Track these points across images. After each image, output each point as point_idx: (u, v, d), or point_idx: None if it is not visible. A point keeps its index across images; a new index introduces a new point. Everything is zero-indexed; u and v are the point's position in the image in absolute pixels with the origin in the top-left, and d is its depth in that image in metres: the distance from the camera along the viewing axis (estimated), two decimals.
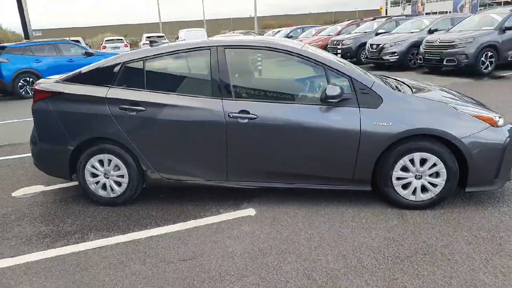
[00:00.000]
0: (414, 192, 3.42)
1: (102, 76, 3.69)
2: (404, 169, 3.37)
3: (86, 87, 3.68)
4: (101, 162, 3.71)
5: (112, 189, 3.75)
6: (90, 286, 2.64)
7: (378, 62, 13.87)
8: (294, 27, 24.27)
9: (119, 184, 3.74)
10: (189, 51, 3.66)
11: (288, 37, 22.43)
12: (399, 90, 3.60)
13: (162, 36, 26.84)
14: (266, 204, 3.68)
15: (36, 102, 3.75)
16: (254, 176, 3.57)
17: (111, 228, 3.41)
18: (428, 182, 3.38)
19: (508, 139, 3.30)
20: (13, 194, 4.20)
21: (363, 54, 15.07)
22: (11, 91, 11.22)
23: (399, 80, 4.21)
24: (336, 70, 3.40)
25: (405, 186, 3.43)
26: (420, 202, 3.43)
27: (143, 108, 3.54)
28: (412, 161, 3.34)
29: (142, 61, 3.66)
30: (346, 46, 15.55)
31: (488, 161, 3.29)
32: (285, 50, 3.50)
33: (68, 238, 3.27)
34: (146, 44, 25.86)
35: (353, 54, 15.45)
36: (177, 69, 3.70)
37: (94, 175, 3.75)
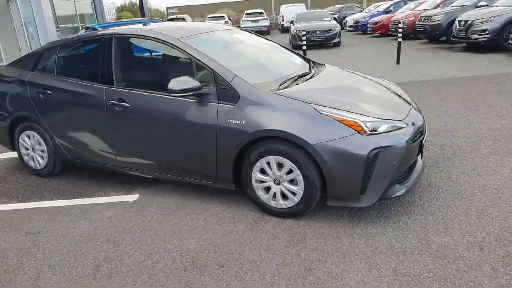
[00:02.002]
0: (275, 198, 3.13)
1: (30, 61, 4.15)
2: (264, 172, 3.11)
3: (18, 70, 4.19)
4: (28, 137, 4.21)
5: (38, 162, 4.25)
6: None
7: (468, 42, 11.98)
8: (397, 0, 22.05)
9: (42, 158, 4.21)
10: (91, 40, 3.85)
11: (387, 12, 20.61)
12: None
13: (261, 13, 27.10)
14: (156, 192, 3.75)
15: None
16: (136, 163, 3.67)
17: (17, 196, 3.91)
18: (287, 189, 3.05)
19: (377, 150, 2.76)
20: None
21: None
22: None
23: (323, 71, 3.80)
24: (202, 62, 3.23)
25: (268, 190, 3.16)
26: (281, 209, 3.13)
27: (50, 92, 3.89)
28: (269, 164, 3.05)
29: (56, 49, 3.99)
30: (435, 23, 13.71)
31: (349, 173, 2.82)
32: (162, 40, 3.44)
33: None
34: (245, 20, 26.59)
35: (443, 32, 13.57)
36: (81, 57, 3.93)
37: (26, 148, 4.28)
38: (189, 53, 3.28)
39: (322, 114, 2.88)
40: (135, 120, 3.46)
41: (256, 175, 3.12)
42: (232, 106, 3.08)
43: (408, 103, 3.48)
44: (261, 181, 3.13)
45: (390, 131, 2.89)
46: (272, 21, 32.13)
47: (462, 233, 2.78)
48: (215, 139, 3.15)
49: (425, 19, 14.24)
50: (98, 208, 3.55)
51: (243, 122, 3.02)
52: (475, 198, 3.23)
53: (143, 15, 27.44)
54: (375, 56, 11.69)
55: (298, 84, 3.35)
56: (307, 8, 28.84)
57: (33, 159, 4.28)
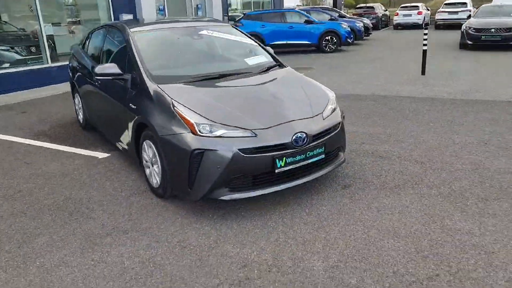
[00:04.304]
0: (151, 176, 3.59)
1: (82, 41, 5.56)
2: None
3: (78, 48, 5.67)
4: (76, 98, 5.71)
5: (80, 117, 5.72)
6: None
7: None
8: None
9: (82, 114, 5.64)
10: (102, 28, 4.94)
11: None
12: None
13: (464, 3, 23.79)
14: (121, 156, 4.63)
15: None
16: (100, 127, 4.68)
17: (55, 138, 5.43)
18: (155, 172, 3.48)
19: (201, 151, 2.95)
20: None
21: None
22: None
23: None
24: (131, 53, 3.86)
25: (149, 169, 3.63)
26: (153, 188, 3.58)
27: (79, 66, 5.22)
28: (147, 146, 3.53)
29: (92, 33, 5.25)
30: None
31: (179, 167, 3.09)
32: (121, 31, 4.20)
33: (39, 137, 5.56)
34: (442, 11, 23.87)
35: None
36: (95, 40, 5.05)
37: (76, 107, 5.81)
38: (129, 44, 3.97)
39: (174, 109, 3.19)
40: (100, 92, 4.41)
41: (144, 155, 3.64)
42: (134, 92, 3.66)
43: (309, 116, 3.31)
44: (146, 161, 3.63)
45: (223, 136, 2.98)
46: None
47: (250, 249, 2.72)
48: (125, 118, 3.80)
49: None
50: (76, 157, 4.69)
51: (135, 107, 3.58)
52: (329, 230, 2.95)
53: (335, 5, 28.04)
54: None
55: (207, 81, 3.65)
56: None
57: (79, 115, 5.76)
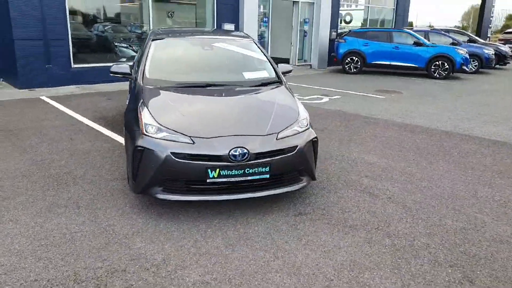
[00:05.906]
0: None
1: None
2: None
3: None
4: None
5: None
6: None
7: None
8: None
9: None
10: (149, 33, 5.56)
11: None
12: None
13: None
14: None
15: None
16: None
17: (108, 123, 6.30)
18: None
19: (142, 148, 3.23)
20: None
21: None
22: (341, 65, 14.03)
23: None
24: (141, 56, 4.35)
25: None
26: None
27: None
28: None
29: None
30: None
31: (128, 160, 3.45)
32: (149, 34, 4.72)
33: (99, 120, 6.52)
34: None
35: None
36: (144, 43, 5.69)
37: None
38: (145, 48, 4.47)
39: (138, 109, 3.54)
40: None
41: None
42: (136, 87, 4.13)
43: (260, 134, 3.31)
44: None
45: (163, 139, 3.21)
46: None
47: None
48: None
49: None
50: (108, 140, 5.40)
51: (126, 102, 4.05)
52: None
53: (478, 34, 25.48)
54: None
55: (189, 89, 3.93)
56: None
57: None
